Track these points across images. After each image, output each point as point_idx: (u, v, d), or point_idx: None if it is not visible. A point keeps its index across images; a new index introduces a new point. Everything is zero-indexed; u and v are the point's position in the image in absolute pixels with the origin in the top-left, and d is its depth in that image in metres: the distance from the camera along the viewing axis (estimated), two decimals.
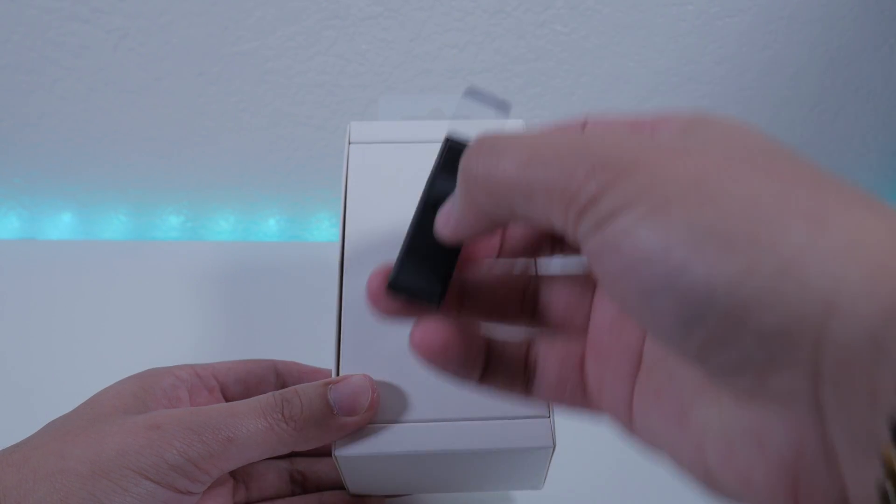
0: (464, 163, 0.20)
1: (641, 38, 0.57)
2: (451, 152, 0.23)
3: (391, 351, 0.29)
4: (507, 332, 0.24)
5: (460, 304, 0.24)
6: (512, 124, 0.36)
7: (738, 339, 0.15)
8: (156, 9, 0.48)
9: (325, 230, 0.58)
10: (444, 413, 0.28)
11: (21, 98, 0.49)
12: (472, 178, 0.19)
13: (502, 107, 0.25)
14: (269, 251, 0.53)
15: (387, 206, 0.33)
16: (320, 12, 0.50)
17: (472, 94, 0.25)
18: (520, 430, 0.28)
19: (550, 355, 0.23)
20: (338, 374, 0.29)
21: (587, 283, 0.23)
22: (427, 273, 0.22)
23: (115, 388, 0.28)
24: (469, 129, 0.24)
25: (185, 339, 0.46)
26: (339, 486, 0.32)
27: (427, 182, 0.24)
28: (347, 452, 0.27)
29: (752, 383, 0.15)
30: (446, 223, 0.22)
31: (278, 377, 0.31)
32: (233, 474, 0.30)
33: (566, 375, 0.23)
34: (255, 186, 0.57)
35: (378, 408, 0.28)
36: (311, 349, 0.41)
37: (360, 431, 0.27)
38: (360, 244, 0.32)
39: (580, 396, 0.23)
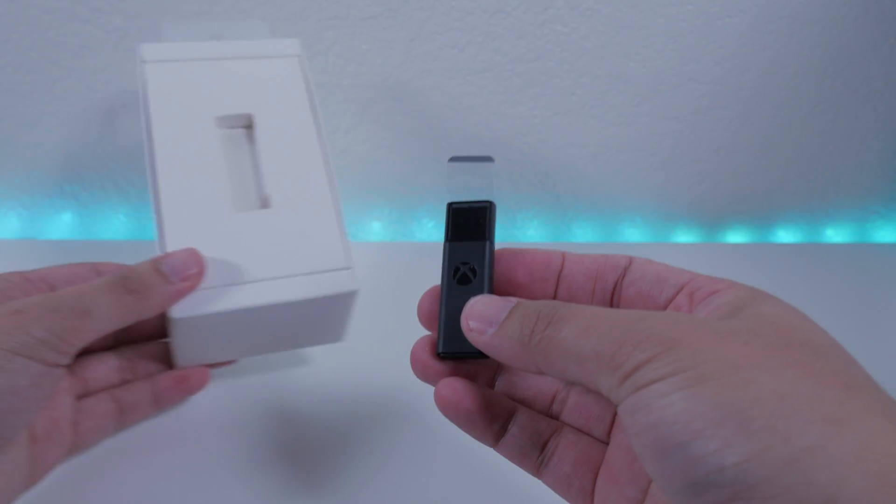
0: (525, 327, 0.21)
1: (641, 38, 0.57)
2: (456, 215, 0.26)
3: (209, 227, 0.33)
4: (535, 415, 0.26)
5: (495, 379, 0.27)
6: (287, 43, 0.39)
7: None
8: (156, 9, 0.48)
9: None
10: (263, 273, 0.33)
11: (21, 98, 0.49)
12: (534, 345, 0.21)
13: (486, 159, 0.27)
14: None
15: (187, 113, 0.36)
16: (320, 12, 0.50)
17: (456, 158, 0.27)
18: (330, 280, 0.33)
19: (568, 453, 0.25)
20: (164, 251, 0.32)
21: (610, 404, 0.25)
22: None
23: None
24: (462, 193, 0.27)
25: None
26: (166, 366, 0.36)
27: (444, 250, 0.26)
28: (183, 314, 0.31)
29: None
30: (482, 332, 0.23)
31: (99, 276, 0.33)
32: (70, 371, 0.33)
33: (575, 476, 0.25)
34: None
35: (205, 270, 0.32)
36: (316, 347, 0.41)
37: (191, 296, 0.31)
38: (169, 145, 0.35)
39: (582, 501, 0.25)
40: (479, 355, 0.24)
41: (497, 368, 0.27)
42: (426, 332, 0.27)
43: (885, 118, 0.66)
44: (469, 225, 0.26)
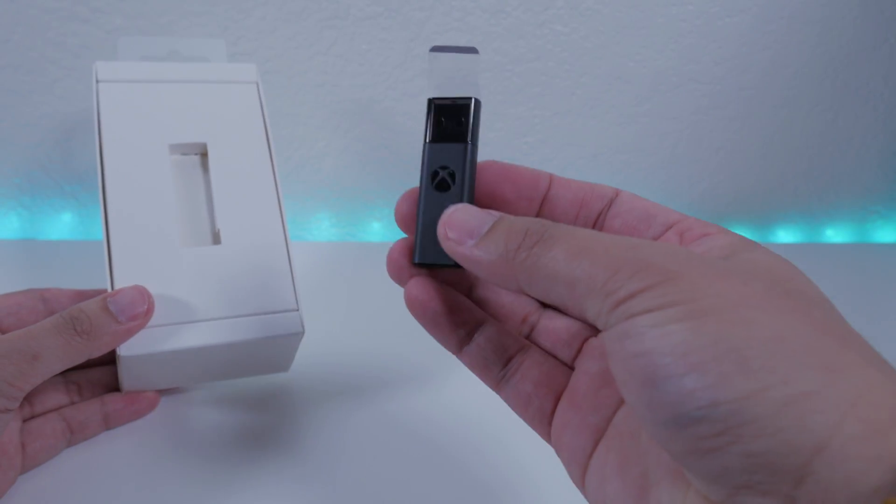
0: (511, 242, 0.20)
1: (641, 38, 0.57)
2: (438, 113, 0.24)
3: (160, 263, 0.33)
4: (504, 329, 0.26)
5: (469, 291, 0.26)
6: (245, 68, 0.38)
7: (725, 453, 0.16)
8: (156, 9, 0.48)
9: (325, 230, 0.58)
10: (213, 312, 0.33)
11: (21, 98, 0.49)
12: (519, 262, 0.20)
13: (471, 50, 0.25)
14: None
15: (140, 138, 0.35)
16: (320, 12, 0.50)
17: (438, 48, 0.25)
18: (278, 322, 0.33)
19: (531, 372, 0.25)
20: (112, 289, 0.32)
21: (584, 328, 0.25)
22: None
23: None
24: (445, 88, 0.25)
25: None
26: (112, 388, 0.36)
27: (423, 151, 0.24)
28: (131, 352, 0.31)
29: (726, 494, 0.16)
30: (460, 242, 0.22)
31: (45, 304, 0.33)
32: None
33: (535, 396, 0.24)
34: None
35: (153, 310, 0.31)
36: (316, 348, 0.41)
37: (140, 334, 0.31)
38: (120, 171, 0.34)
39: (538, 422, 0.24)
40: (456, 266, 0.23)
41: (472, 282, 0.26)
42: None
43: (885, 118, 0.66)
44: (450, 125, 0.24)
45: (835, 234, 0.71)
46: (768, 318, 0.17)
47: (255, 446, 0.36)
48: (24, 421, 0.32)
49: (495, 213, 0.22)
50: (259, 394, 0.39)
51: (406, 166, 0.57)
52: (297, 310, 0.34)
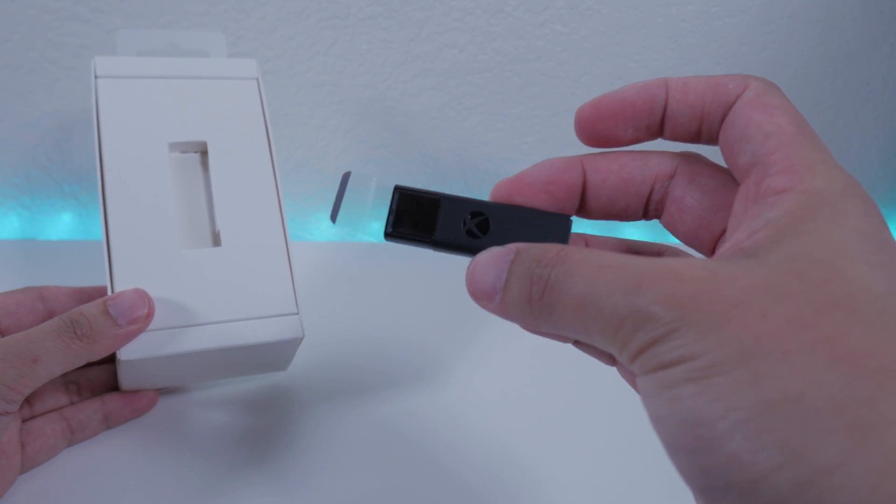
0: (523, 291, 0.19)
1: (641, 38, 0.57)
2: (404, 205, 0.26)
3: (159, 265, 0.33)
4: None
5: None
6: (245, 63, 0.38)
7: None
8: (156, 9, 0.48)
9: (325, 230, 0.58)
10: (213, 316, 0.33)
11: (21, 98, 0.49)
12: (536, 311, 0.19)
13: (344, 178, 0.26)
14: None
15: (140, 135, 0.35)
16: (320, 12, 0.50)
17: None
18: (278, 326, 0.33)
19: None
20: (112, 291, 0.32)
21: (725, 191, 0.23)
22: None
23: None
24: None
25: None
26: (111, 387, 0.36)
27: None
28: (131, 356, 0.31)
29: None
30: (490, 300, 0.21)
31: (44, 302, 0.33)
32: None
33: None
34: None
35: (154, 314, 0.32)
36: (315, 348, 0.42)
37: (140, 338, 0.31)
38: (120, 169, 0.34)
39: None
40: None
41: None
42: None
43: (885, 118, 0.66)
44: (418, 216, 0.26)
45: None
46: (785, 368, 0.15)
47: (255, 446, 0.36)
48: (24, 421, 0.32)
49: (511, 252, 0.20)
50: (258, 394, 0.39)
51: (406, 166, 0.57)
52: (297, 313, 0.34)
